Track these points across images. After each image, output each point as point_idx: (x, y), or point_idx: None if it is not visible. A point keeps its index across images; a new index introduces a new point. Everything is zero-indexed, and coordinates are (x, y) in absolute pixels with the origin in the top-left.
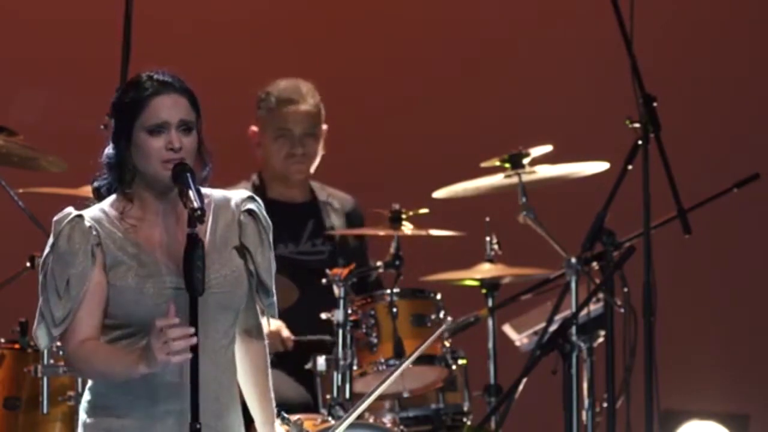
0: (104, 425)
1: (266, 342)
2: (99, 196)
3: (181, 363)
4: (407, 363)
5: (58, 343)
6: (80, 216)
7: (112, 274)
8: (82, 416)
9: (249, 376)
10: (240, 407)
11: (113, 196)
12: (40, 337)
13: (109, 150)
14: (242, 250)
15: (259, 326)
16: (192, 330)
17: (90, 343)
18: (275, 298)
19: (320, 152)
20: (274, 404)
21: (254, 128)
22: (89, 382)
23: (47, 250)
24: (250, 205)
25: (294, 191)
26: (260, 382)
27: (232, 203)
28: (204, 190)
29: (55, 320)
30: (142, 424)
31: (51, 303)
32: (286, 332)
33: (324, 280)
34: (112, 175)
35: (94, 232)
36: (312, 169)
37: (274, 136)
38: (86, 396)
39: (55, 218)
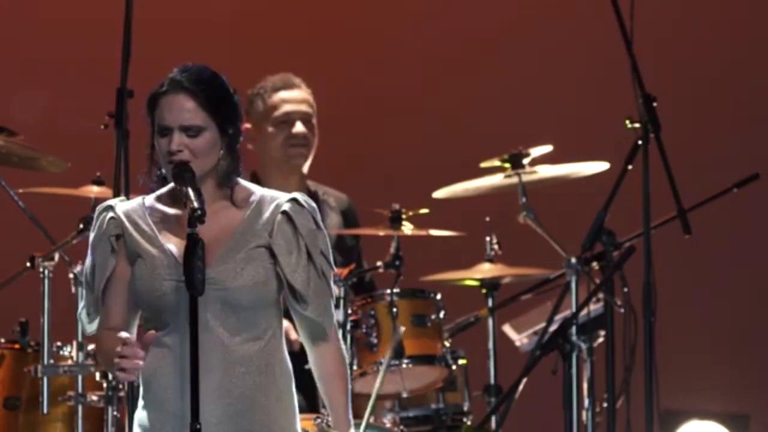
0: (139, 418)
1: (336, 345)
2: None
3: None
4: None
5: (59, 343)
6: (110, 207)
7: (135, 266)
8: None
9: (318, 381)
10: (293, 411)
11: (168, 187)
12: (83, 322)
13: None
14: (272, 252)
15: (321, 331)
16: (141, 354)
17: (105, 332)
18: (323, 301)
19: (316, 144)
20: (345, 408)
21: (247, 125)
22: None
23: None
24: (288, 207)
25: (291, 189)
26: (326, 386)
27: (274, 204)
28: (250, 187)
29: (88, 309)
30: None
31: (86, 292)
32: (293, 335)
33: None
34: (152, 172)
35: (118, 222)
36: (309, 161)
37: (272, 124)
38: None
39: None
